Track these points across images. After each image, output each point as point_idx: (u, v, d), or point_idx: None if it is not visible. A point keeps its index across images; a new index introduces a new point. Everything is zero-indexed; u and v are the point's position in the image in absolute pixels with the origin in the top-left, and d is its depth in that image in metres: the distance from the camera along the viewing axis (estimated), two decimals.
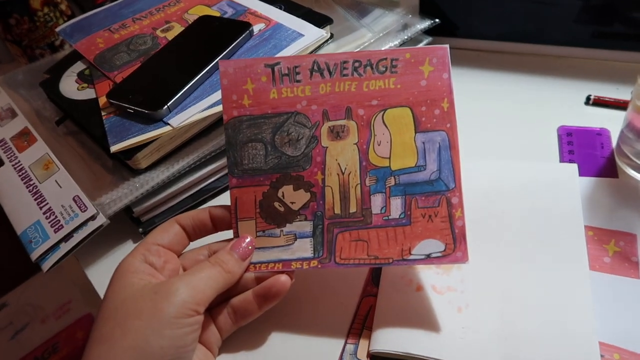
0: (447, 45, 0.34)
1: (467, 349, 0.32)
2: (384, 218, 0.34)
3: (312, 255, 0.34)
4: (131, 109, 0.42)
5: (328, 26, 0.50)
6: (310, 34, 0.47)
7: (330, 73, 0.35)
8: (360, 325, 0.35)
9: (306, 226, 0.34)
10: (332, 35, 0.51)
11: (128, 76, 0.46)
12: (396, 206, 0.34)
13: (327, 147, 0.35)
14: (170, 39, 0.49)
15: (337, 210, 0.34)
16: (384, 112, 0.34)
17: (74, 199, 0.40)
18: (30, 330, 0.74)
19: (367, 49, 0.50)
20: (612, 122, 0.45)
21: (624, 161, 0.41)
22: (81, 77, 0.49)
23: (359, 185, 0.34)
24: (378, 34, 0.51)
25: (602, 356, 0.30)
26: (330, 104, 0.35)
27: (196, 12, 0.53)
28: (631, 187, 0.40)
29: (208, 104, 0.42)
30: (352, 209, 0.34)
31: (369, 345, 0.33)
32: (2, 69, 0.70)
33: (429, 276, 0.36)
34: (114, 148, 0.40)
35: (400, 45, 0.51)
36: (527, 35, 0.53)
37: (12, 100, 0.52)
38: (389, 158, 0.34)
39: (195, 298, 0.30)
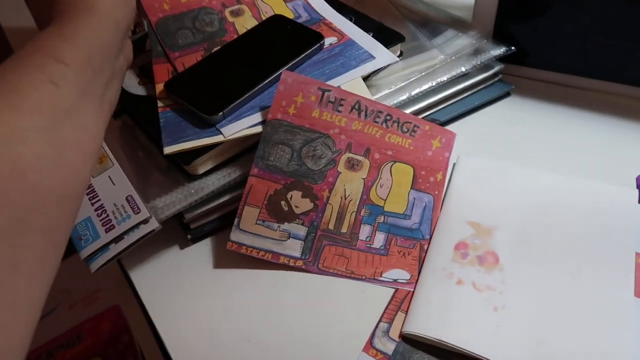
0: (456, 133, 0.44)
1: (497, 346, 0.33)
2: (367, 245, 0.40)
3: (300, 256, 0.39)
4: (186, 107, 0.41)
5: (399, 44, 0.48)
6: (381, 57, 0.45)
7: (366, 115, 0.42)
8: (396, 307, 0.37)
9: (301, 230, 0.40)
10: (401, 53, 0.49)
11: (188, 68, 0.44)
12: (379, 239, 0.40)
13: (340, 173, 0.41)
14: (238, 26, 0.48)
15: (331, 226, 0.40)
16: (393, 163, 0.42)
17: (127, 198, 0.39)
18: (57, 315, 0.74)
19: (437, 71, 0.48)
20: None
21: None
22: (143, 71, 0.47)
23: (354, 213, 0.41)
24: (450, 56, 0.49)
25: None
26: (356, 139, 0.41)
27: (270, 2, 0.50)
28: None
29: (261, 118, 0.41)
30: (344, 230, 0.40)
31: (402, 326, 0.35)
32: None
33: (471, 273, 0.37)
34: (167, 150, 0.39)
35: (471, 68, 0.49)
36: (605, 73, 0.50)
37: None
38: (385, 200, 0.41)
39: None
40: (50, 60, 0.30)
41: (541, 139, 0.48)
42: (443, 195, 0.43)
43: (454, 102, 0.50)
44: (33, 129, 0.27)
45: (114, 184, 0.41)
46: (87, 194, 0.41)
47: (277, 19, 0.48)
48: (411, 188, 0.42)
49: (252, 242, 0.39)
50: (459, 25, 0.53)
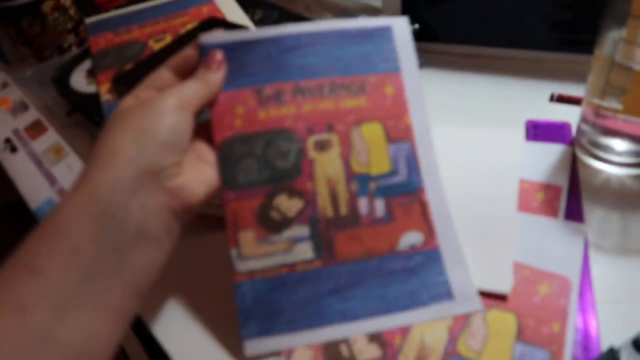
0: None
1: None
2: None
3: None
4: None
5: None
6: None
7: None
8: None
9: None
10: None
11: (136, 64, 0.50)
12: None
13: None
14: (156, 48, 0.54)
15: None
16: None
17: None
18: None
19: None
20: (573, 117, 0.49)
21: (581, 150, 0.46)
22: (90, 73, 0.53)
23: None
24: None
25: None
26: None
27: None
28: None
29: None
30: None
31: None
32: (12, 70, 0.74)
33: None
34: None
35: None
36: (501, 41, 0.58)
37: (24, 95, 0.56)
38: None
39: (184, 102, 0.34)
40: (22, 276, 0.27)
41: (450, 104, 0.55)
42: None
43: None
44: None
45: (71, 169, 0.46)
46: (47, 180, 0.46)
47: (214, 20, 0.55)
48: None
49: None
50: (371, 11, 0.60)
